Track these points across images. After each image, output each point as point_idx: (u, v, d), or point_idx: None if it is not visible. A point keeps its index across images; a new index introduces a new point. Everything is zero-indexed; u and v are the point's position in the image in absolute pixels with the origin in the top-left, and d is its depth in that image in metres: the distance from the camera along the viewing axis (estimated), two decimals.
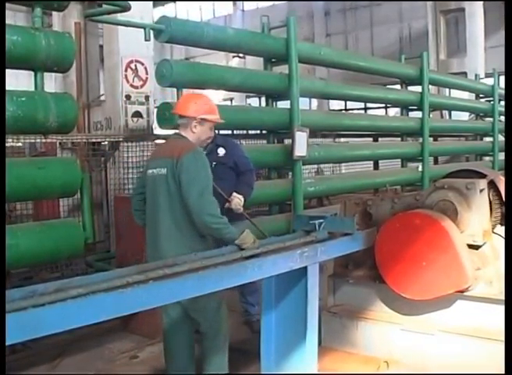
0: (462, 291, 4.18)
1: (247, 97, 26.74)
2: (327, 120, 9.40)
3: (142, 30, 6.39)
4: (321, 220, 4.05)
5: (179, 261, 3.44)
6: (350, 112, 20.42)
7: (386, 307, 4.56)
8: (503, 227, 4.55)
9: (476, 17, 20.61)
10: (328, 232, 4.11)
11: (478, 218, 4.21)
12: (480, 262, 4.24)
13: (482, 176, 4.51)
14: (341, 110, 23.78)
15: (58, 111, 5.16)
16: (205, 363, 4.49)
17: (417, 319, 4.42)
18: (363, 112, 20.77)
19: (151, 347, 5.76)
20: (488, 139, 15.12)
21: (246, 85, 7.77)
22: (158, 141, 7.64)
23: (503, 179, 4.56)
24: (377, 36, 27.78)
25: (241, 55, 21.27)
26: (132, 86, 8.06)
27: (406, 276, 4.18)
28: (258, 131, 9.17)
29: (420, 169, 11.03)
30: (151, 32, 6.50)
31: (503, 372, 3.84)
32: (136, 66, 8.07)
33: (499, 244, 4.36)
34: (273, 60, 8.29)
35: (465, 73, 19.50)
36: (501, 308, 4.07)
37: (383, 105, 18.50)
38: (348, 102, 19.99)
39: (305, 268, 3.68)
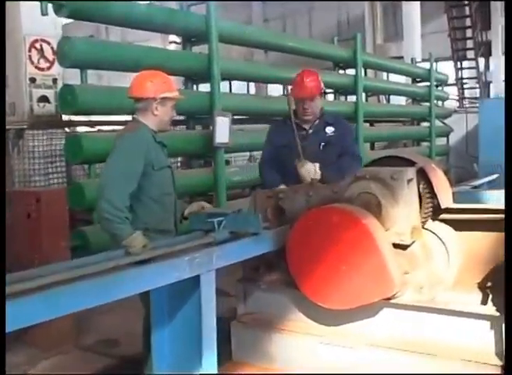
0: (388, 299, 3.57)
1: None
2: (253, 104, 8.80)
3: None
4: (221, 218, 3.39)
5: (46, 272, 2.74)
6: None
7: (304, 316, 3.92)
8: (436, 222, 3.99)
9: (412, 3, 20.31)
10: (230, 232, 3.45)
11: (405, 213, 3.55)
12: (408, 265, 3.62)
13: (411, 164, 3.87)
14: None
15: None
16: None
17: (339, 330, 3.78)
18: None
19: (46, 361, 5.12)
20: (425, 124, 14.85)
21: (163, 66, 7.05)
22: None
23: (434, 167, 3.98)
24: (315, 21, 27.44)
25: (178, 40, 20.57)
26: (37, 68, 7.42)
27: (323, 283, 3.52)
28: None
29: None
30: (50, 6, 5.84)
31: None
32: (41, 45, 7.40)
33: (431, 242, 3.78)
34: (193, 39, 7.68)
35: (402, 58, 19.28)
36: (433, 317, 3.53)
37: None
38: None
39: (198, 277, 3.02)
